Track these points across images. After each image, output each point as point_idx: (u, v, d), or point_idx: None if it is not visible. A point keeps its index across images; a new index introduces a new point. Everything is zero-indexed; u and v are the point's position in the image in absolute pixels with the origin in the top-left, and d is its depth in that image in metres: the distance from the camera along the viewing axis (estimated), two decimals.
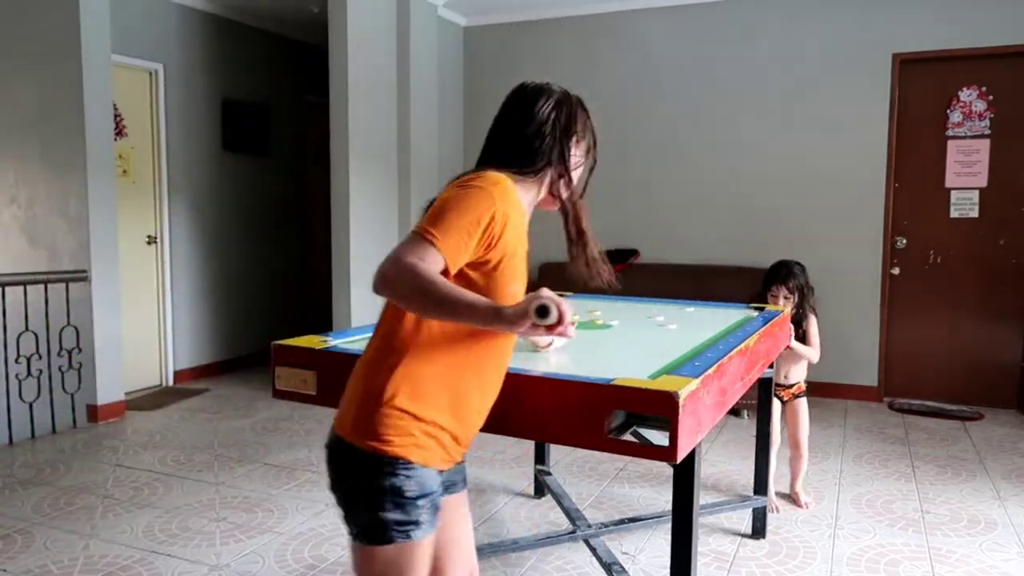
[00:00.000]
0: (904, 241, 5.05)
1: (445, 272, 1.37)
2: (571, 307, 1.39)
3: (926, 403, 4.99)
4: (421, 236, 1.36)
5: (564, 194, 1.62)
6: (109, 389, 4.59)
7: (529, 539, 2.71)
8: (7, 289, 4.33)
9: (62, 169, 4.49)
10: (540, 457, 3.41)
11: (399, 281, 1.32)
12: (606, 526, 2.84)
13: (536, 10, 5.75)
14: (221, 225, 5.87)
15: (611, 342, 2.28)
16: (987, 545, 2.94)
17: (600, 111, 6.26)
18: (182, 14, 5.50)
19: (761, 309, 2.97)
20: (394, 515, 1.41)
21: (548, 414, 1.60)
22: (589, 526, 2.76)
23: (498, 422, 1.69)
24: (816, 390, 5.20)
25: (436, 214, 1.40)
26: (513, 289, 1.51)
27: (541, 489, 3.40)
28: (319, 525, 3.08)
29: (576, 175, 1.65)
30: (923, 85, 4.93)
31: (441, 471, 1.49)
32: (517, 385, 1.64)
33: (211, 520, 3.12)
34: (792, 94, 5.17)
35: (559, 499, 3.01)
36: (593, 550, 2.52)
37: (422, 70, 5.39)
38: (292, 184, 6.59)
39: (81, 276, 4.45)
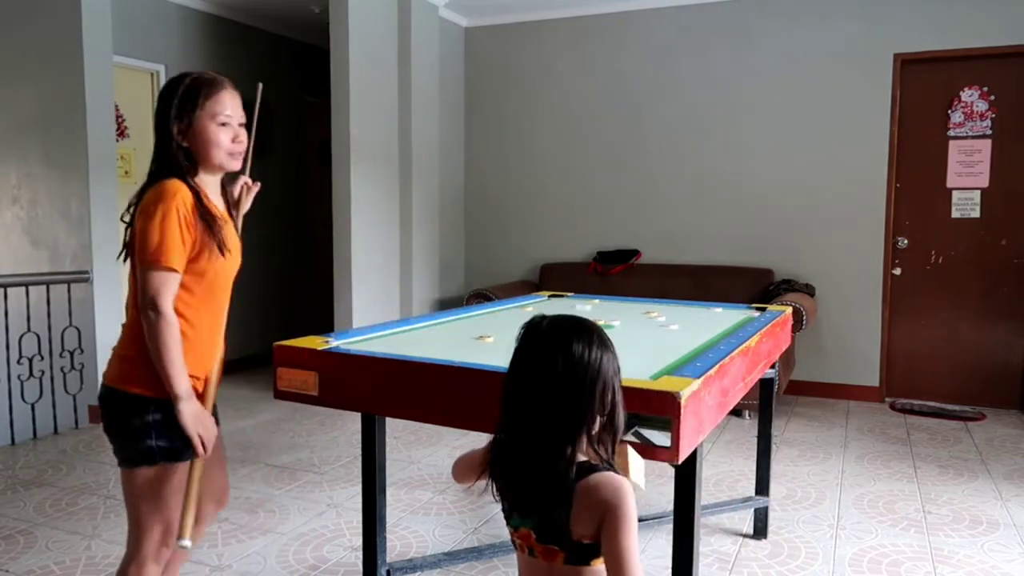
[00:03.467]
0: (905, 241, 5.05)
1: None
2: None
3: (928, 403, 4.99)
4: (158, 268, 1.73)
5: (212, 163, 1.86)
6: None
7: None
8: (9, 290, 4.33)
9: (64, 170, 4.50)
10: None
11: (155, 333, 1.73)
12: None
13: (537, 11, 5.75)
14: None
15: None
16: (989, 546, 2.94)
17: (600, 111, 6.29)
18: (183, 15, 5.51)
19: (763, 309, 2.96)
20: (158, 443, 1.78)
21: None
22: None
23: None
24: (818, 390, 5.21)
25: (145, 243, 1.73)
26: (201, 259, 1.82)
27: None
28: (321, 526, 3.09)
29: (209, 142, 1.85)
30: (924, 85, 4.93)
31: None
32: None
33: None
34: (793, 94, 5.17)
35: None
36: None
37: (423, 70, 5.39)
38: (293, 184, 6.60)
39: (83, 277, 4.46)
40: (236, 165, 1.91)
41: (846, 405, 5.02)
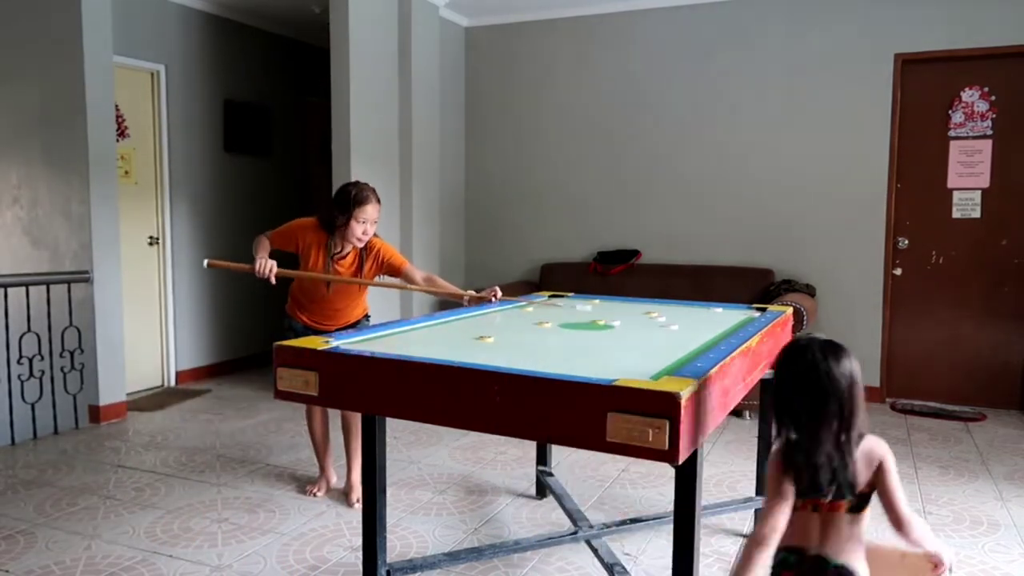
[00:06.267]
0: (906, 241, 5.04)
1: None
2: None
3: (928, 404, 4.98)
4: (271, 231, 3.32)
5: (346, 237, 3.24)
6: (111, 390, 4.59)
7: (531, 540, 2.71)
8: (9, 290, 4.33)
9: (64, 170, 4.50)
10: (542, 458, 3.41)
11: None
12: (608, 527, 2.83)
13: (537, 11, 5.75)
14: (223, 226, 5.87)
15: (613, 343, 2.28)
16: (990, 546, 2.93)
17: (601, 111, 6.31)
18: (184, 15, 5.51)
19: (763, 310, 2.96)
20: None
21: (550, 415, 1.60)
22: (591, 527, 2.75)
23: (499, 422, 1.69)
24: None
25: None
26: (310, 263, 3.28)
27: (543, 490, 3.40)
28: (321, 526, 3.08)
29: (349, 231, 3.19)
30: (925, 85, 4.93)
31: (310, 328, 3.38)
32: (519, 385, 1.64)
33: (213, 521, 3.12)
34: (793, 94, 5.16)
35: (561, 500, 3.01)
36: (595, 551, 2.52)
37: (423, 70, 5.39)
38: (293, 184, 6.60)
39: (83, 277, 4.46)
40: (360, 245, 3.24)
41: None
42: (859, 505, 1.62)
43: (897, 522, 1.64)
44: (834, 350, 1.63)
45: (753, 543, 1.61)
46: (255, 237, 3.25)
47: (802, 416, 1.58)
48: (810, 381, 1.58)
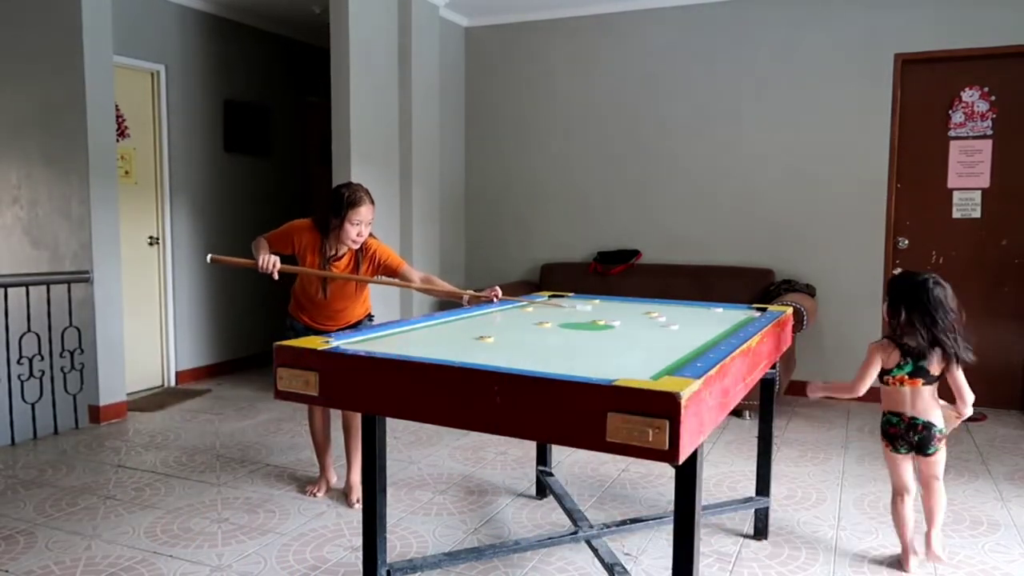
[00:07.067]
0: (906, 242, 5.04)
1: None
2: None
3: None
4: (267, 234, 3.26)
5: (340, 239, 3.19)
6: (111, 390, 4.59)
7: (531, 540, 2.71)
8: (9, 290, 4.33)
9: (64, 170, 4.50)
10: (542, 458, 3.41)
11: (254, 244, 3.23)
12: (608, 527, 2.83)
13: (537, 10, 5.75)
14: (223, 226, 5.87)
15: (612, 343, 2.28)
16: (990, 546, 2.93)
17: (601, 111, 6.31)
18: (184, 15, 5.51)
19: (763, 310, 2.96)
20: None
21: (549, 415, 1.60)
22: (591, 527, 2.75)
23: (499, 422, 1.68)
24: None
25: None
26: (306, 265, 3.22)
27: (543, 490, 3.40)
28: (321, 526, 3.08)
29: (343, 232, 3.15)
30: (925, 85, 4.93)
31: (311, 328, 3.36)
32: (519, 385, 1.64)
33: (213, 521, 3.12)
34: (793, 94, 5.16)
35: (561, 500, 3.01)
36: (595, 551, 2.52)
37: (423, 71, 5.39)
38: (293, 185, 6.60)
39: (83, 277, 4.46)
40: (355, 247, 3.20)
41: (847, 406, 5.01)
42: (931, 381, 2.64)
43: (959, 395, 2.69)
44: (939, 283, 2.58)
45: (849, 388, 2.71)
46: (254, 238, 3.23)
47: (909, 321, 2.57)
48: (920, 300, 2.55)
